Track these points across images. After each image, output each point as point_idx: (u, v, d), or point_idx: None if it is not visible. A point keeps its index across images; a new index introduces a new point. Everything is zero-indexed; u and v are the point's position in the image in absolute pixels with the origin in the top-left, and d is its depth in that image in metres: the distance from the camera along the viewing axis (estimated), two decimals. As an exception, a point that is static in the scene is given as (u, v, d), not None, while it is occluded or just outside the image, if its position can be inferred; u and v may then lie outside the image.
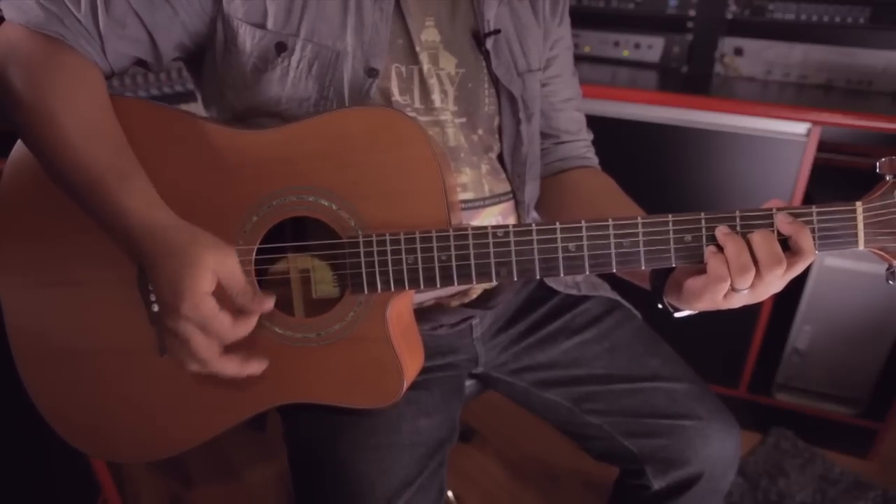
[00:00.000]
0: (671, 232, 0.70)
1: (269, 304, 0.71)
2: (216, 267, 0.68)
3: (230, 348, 0.71)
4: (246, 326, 0.71)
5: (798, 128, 1.44)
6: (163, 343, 0.80)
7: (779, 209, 0.69)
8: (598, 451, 1.03)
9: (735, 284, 0.68)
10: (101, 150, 0.72)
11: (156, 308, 0.79)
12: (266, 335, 0.79)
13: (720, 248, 0.69)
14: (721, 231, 0.69)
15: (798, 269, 0.69)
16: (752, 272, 0.67)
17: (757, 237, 0.68)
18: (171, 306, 0.67)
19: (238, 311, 0.70)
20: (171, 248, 0.68)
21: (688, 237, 0.70)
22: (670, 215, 0.70)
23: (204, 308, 0.67)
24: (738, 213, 0.69)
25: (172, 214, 0.72)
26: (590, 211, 0.96)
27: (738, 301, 0.71)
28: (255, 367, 0.74)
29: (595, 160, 1.07)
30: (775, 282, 0.69)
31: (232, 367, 0.72)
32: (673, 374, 0.98)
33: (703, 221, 0.69)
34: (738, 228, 0.69)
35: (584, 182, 1.02)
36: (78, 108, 0.72)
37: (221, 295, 0.69)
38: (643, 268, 0.72)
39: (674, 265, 0.71)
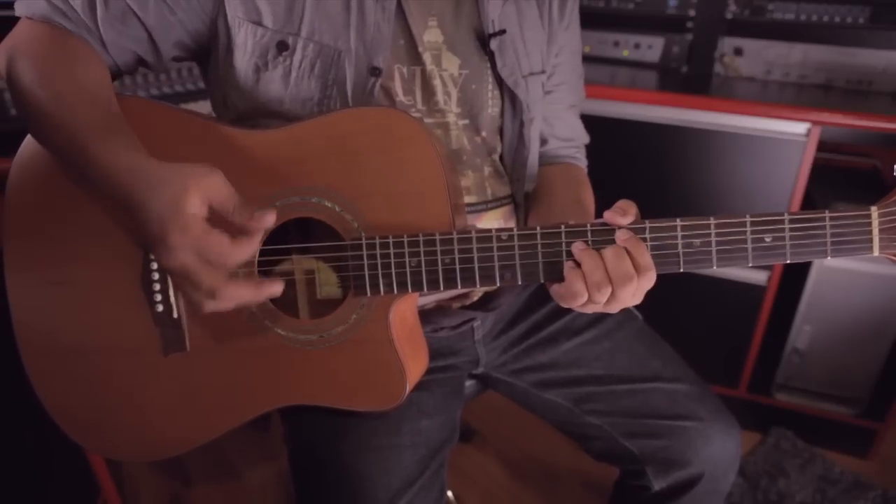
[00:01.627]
0: (679, 237, 0.70)
1: (269, 217, 0.66)
2: (202, 187, 0.63)
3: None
4: (247, 246, 0.65)
5: (798, 128, 1.44)
6: (167, 343, 0.80)
7: (792, 215, 0.67)
8: (599, 451, 1.04)
9: (592, 299, 0.70)
10: (94, 111, 0.72)
11: (160, 309, 0.79)
12: (269, 337, 0.79)
13: (578, 264, 0.71)
14: (577, 247, 0.71)
15: (647, 284, 0.70)
16: (609, 289, 0.69)
17: (609, 253, 0.69)
18: (160, 239, 0.63)
19: (236, 232, 0.65)
20: (154, 182, 0.65)
21: (696, 241, 0.70)
22: (678, 220, 0.70)
23: (194, 229, 0.62)
24: (588, 228, 0.70)
25: (154, 159, 0.68)
26: (546, 205, 0.97)
27: (593, 309, 0.73)
28: (273, 287, 0.68)
29: (579, 160, 1.07)
30: (628, 297, 0.70)
31: (247, 290, 0.66)
32: (673, 375, 0.98)
33: (712, 227, 0.69)
34: (589, 243, 0.70)
35: (547, 174, 1.03)
36: (76, 76, 0.74)
37: (217, 220, 0.65)
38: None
39: (681, 270, 0.72)
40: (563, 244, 0.72)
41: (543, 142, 1.03)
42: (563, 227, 0.71)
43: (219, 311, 0.67)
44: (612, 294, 0.70)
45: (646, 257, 0.69)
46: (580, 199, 0.96)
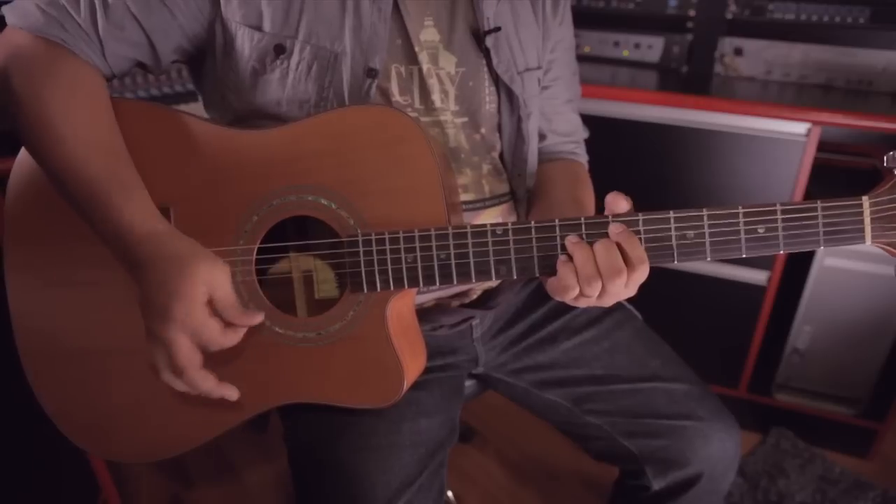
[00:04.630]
0: (673, 229, 0.70)
1: (257, 318, 0.73)
2: (209, 279, 0.68)
3: (214, 361, 0.72)
4: (234, 337, 0.72)
5: (798, 128, 1.44)
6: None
7: (785, 206, 0.68)
8: (598, 451, 1.04)
9: (584, 292, 0.70)
10: (100, 160, 0.72)
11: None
12: (266, 335, 0.79)
13: (570, 258, 0.71)
14: (570, 240, 0.71)
15: (639, 278, 0.70)
16: (599, 283, 0.69)
17: (598, 247, 0.69)
18: (163, 307, 0.67)
19: (227, 324, 0.71)
20: (168, 253, 0.69)
21: (690, 233, 0.70)
22: (671, 212, 0.70)
23: (197, 314, 0.67)
24: (583, 221, 0.70)
25: (170, 225, 0.73)
26: (544, 201, 0.97)
27: (586, 303, 0.73)
28: (228, 391, 0.74)
29: (579, 156, 1.08)
30: (619, 291, 0.70)
31: (207, 383, 0.72)
32: (673, 375, 0.98)
33: (705, 218, 0.70)
34: (583, 236, 0.70)
35: (546, 170, 1.03)
36: (77, 117, 0.72)
37: (211, 309, 0.69)
38: None
39: (676, 262, 0.71)
40: (558, 238, 0.72)
41: (542, 137, 1.04)
42: (557, 221, 0.71)
43: (173, 386, 0.72)
44: (603, 287, 0.70)
45: (638, 250, 0.69)
46: (578, 197, 0.96)
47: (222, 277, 0.70)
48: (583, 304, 0.73)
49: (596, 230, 0.71)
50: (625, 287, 0.70)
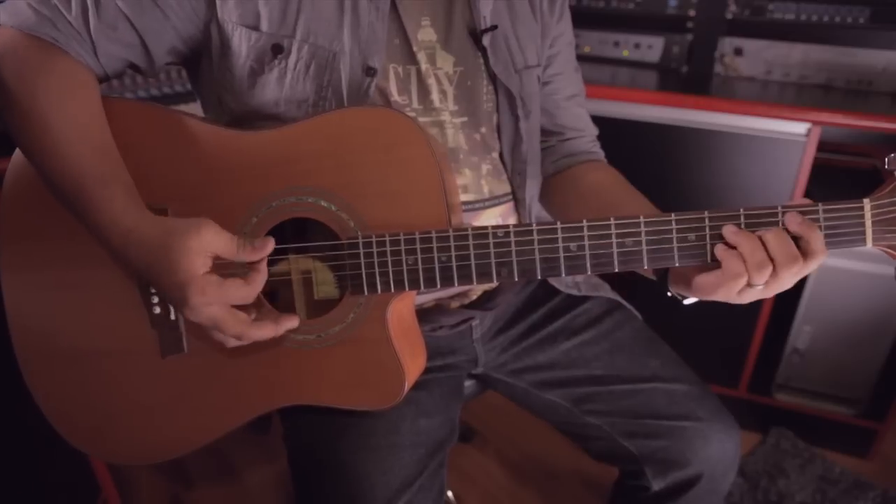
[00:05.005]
0: (674, 231, 0.70)
1: (269, 246, 0.70)
2: (199, 246, 0.67)
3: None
4: (259, 278, 0.70)
5: (798, 128, 1.44)
6: (165, 344, 0.80)
7: (786, 207, 0.68)
8: (598, 451, 1.04)
9: (752, 280, 0.68)
10: (85, 156, 0.71)
11: (157, 311, 0.79)
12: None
13: (729, 246, 0.69)
14: (730, 230, 0.69)
15: (809, 269, 0.69)
16: (770, 268, 0.67)
17: (771, 236, 0.67)
18: (181, 300, 0.67)
19: (245, 270, 0.70)
20: (150, 249, 0.68)
21: (691, 236, 0.70)
22: (673, 214, 0.70)
23: (211, 287, 0.67)
24: (742, 211, 0.69)
25: (143, 213, 0.71)
26: (596, 204, 0.96)
27: (751, 296, 0.71)
28: (290, 322, 0.75)
29: (601, 154, 1.07)
30: (789, 279, 0.69)
31: (269, 330, 0.72)
32: (673, 375, 0.98)
33: (706, 220, 0.69)
34: (742, 226, 0.69)
35: (589, 176, 1.02)
36: (67, 113, 0.72)
37: (223, 265, 0.69)
38: (646, 267, 0.72)
39: (677, 264, 0.71)
40: (560, 240, 0.71)
41: (551, 134, 1.04)
42: (559, 223, 0.71)
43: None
44: (776, 274, 0.68)
45: (819, 242, 0.67)
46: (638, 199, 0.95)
47: (209, 235, 0.68)
48: (748, 297, 0.71)
49: (596, 231, 0.71)
50: (794, 276, 0.68)
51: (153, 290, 0.79)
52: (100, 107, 0.76)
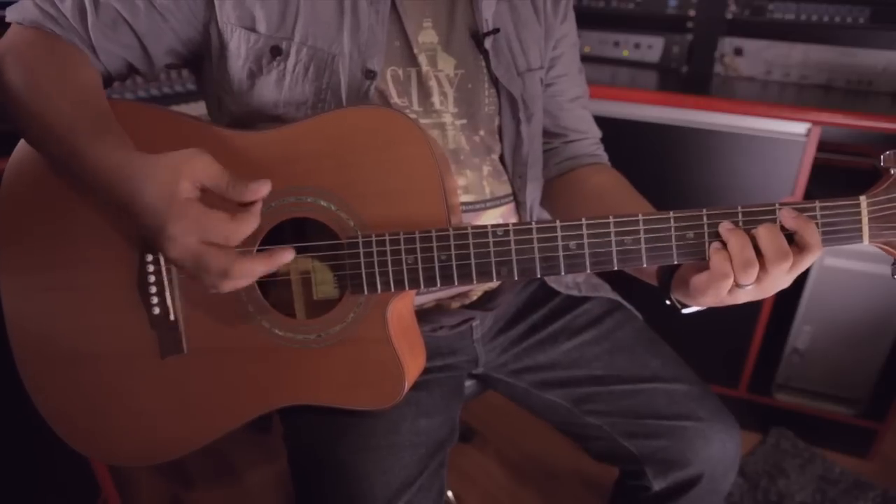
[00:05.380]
0: (673, 229, 0.70)
1: (263, 188, 0.65)
2: (190, 171, 0.63)
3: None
4: (249, 219, 0.64)
5: (798, 128, 1.44)
6: (164, 345, 0.80)
7: (783, 204, 0.68)
8: (598, 451, 1.03)
9: (738, 280, 0.68)
10: (80, 108, 0.72)
11: (157, 311, 0.79)
12: (266, 337, 0.78)
13: (724, 244, 0.68)
14: (724, 227, 0.68)
15: (804, 265, 0.68)
16: (756, 268, 0.67)
17: (762, 231, 0.67)
18: (159, 230, 0.63)
19: (235, 209, 0.65)
20: (142, 175, 0.65)
21: (690, 234, 0.70)
22: (671, 212, 0.70)
23: (191, 213, 0.62)
24: (740, 209, 0.69)
25: (136, 151, 0.68)
26: (599, 207, 0.96)
27: (743, 297, 0.70)
28: (285, 255, 0.68)
29: (604, 157, 1.07)
30: (782, 277, 0.68)
31: (260, 263, 0.66)
32: (673, 375, 0.98)
33: (705, 218, 0.69)
34: (740, 224, 0.69)
35: (592, 179, 1.02)
36: (65, 76, 0.74)
37: (214, 200, 0.64)
38: (645, 265, 0.72)
39: (675, 262, 0.71)
40: (559, 238, 0.71)
41: (554, 136, 1.03)
42: (558, 222, 0.71)
43: (237, 288, 0.67)
44: (765, 272, 0.67)
45: (815, 236, 0.66)
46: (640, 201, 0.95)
47: (201, 161, 0.64)
48: (739, 297, 0.70)
49: (596, 230, 0.71)
50: (787, 273, 0.68)
51: (151, 283, 0.78)
52: (98, 83, 0.78)
